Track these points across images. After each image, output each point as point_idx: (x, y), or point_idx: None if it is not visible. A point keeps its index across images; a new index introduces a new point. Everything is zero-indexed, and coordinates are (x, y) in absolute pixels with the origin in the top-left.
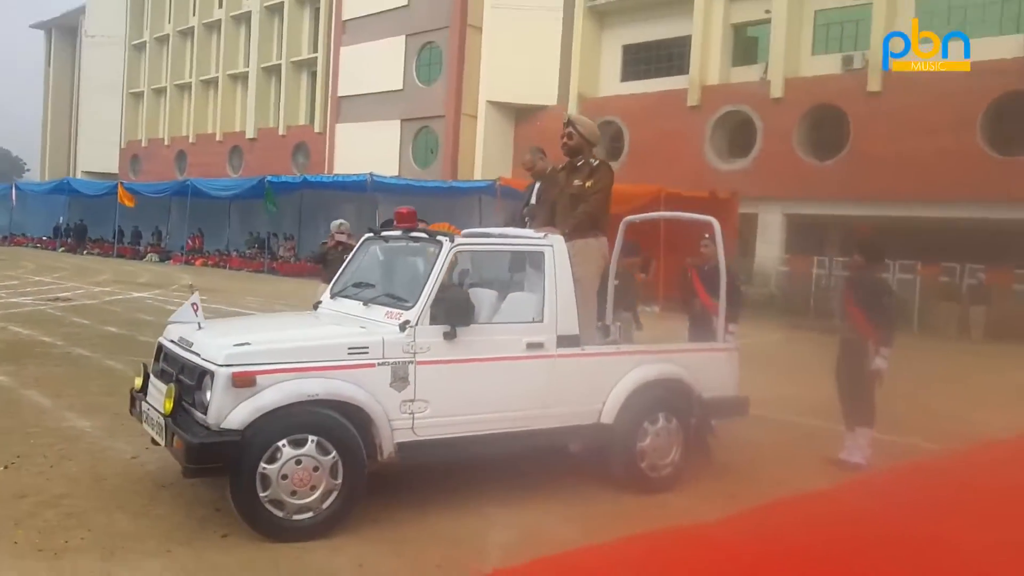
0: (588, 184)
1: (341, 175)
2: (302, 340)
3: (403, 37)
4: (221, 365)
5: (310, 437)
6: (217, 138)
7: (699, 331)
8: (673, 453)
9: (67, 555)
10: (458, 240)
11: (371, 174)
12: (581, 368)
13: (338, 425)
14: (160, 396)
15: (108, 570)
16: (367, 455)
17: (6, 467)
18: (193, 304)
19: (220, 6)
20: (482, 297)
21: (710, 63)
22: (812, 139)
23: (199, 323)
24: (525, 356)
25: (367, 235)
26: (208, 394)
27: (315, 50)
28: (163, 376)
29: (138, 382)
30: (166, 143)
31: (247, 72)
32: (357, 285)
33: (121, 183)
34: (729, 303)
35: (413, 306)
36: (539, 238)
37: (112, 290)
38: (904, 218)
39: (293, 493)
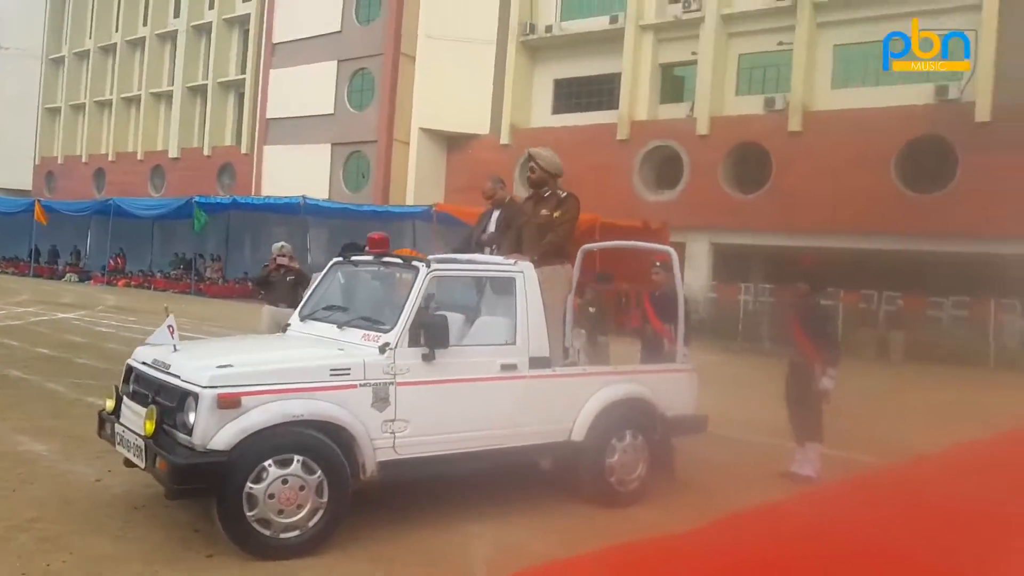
0: (556, 214)
1: (273, 197)
2: (284, 361)
3: (335, 62)
4: (205, 387)
5: (296, 457)
6: (138, 157)
7: (650, 354)
8: (640, 468)
9: None
10: (434, 266)
11: (304, 197)
12: (552, 388)
13: (322, 445)
14: (137, 418)
15: None
16: (350, 474)
17: None
18: (169, 326)
19: (145, 24)
20: (453, 320)
21: (639, 100)
22: (736, 174)
23: (175, 345)
24: (499, 377)
25: (335, 259)
26: (192, 415)
27: (243, 71)
28: (137, 398)
29: (110, 404)
30: (84, 160)
31: (171, 91)
32: (328, 308)
33: (39, 201)
34: (687, 327)
35: (392, 329)
36: (510, 265)
37: (35, 311)
38: (824, 249)
39: (280, 512)
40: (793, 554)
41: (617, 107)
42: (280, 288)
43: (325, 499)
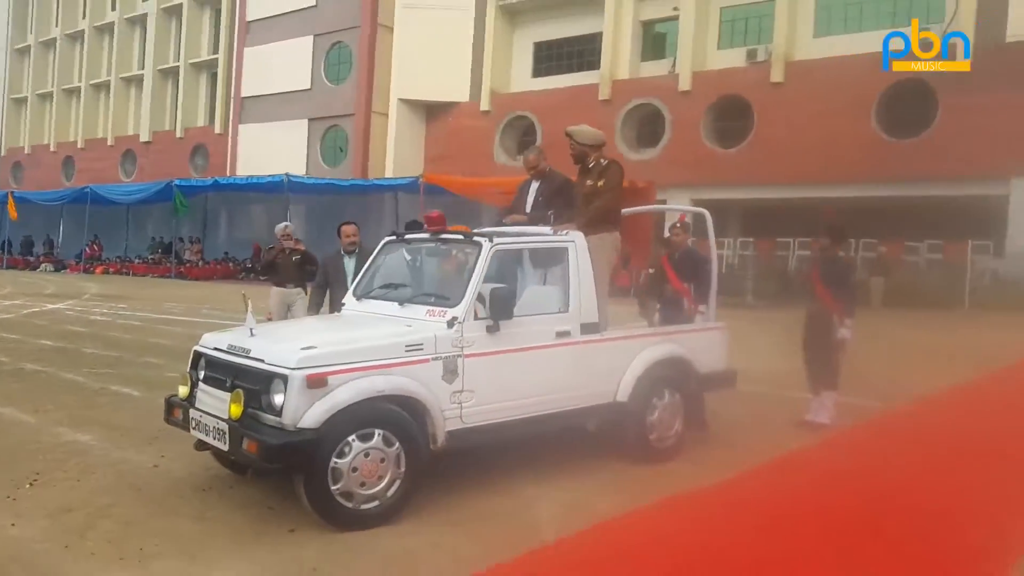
0: (600, 183)
1: (256, 176)
2: (362, 340)
3: (311, 37)
4: (294, 368)
5: (376, 431)
6: (108, 142)
7: (671, 314)
8: (676, 425)
9: (152, 562)
10: (496, 240)
11: (287, 174)
12: (601, 352)
13: (400, 418)
14: (217, 402)
15: (200, 572)
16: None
17: (32, 484)
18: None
19: (113, 8)
20: (512, 292)
21: (620, 59)
22: (718, 128)
23: (251, 330)
24: (555, 344)
25: (388, 238)
26: (280, 396)
27: (215, 51)
28: (213, 383)
29: (184, 390)
30: (52, 149)
31: (142, 75)
32: (386, 286)
33: (12, 193)
34: (701, 286)
35: (459, 303)
36: (562, 235)
37: (23, 303)
38: (804, 199)
39: (362, 484)
40: (818, 500)
41: (599, 67)
42: (287, 269)
43: (403, 469)
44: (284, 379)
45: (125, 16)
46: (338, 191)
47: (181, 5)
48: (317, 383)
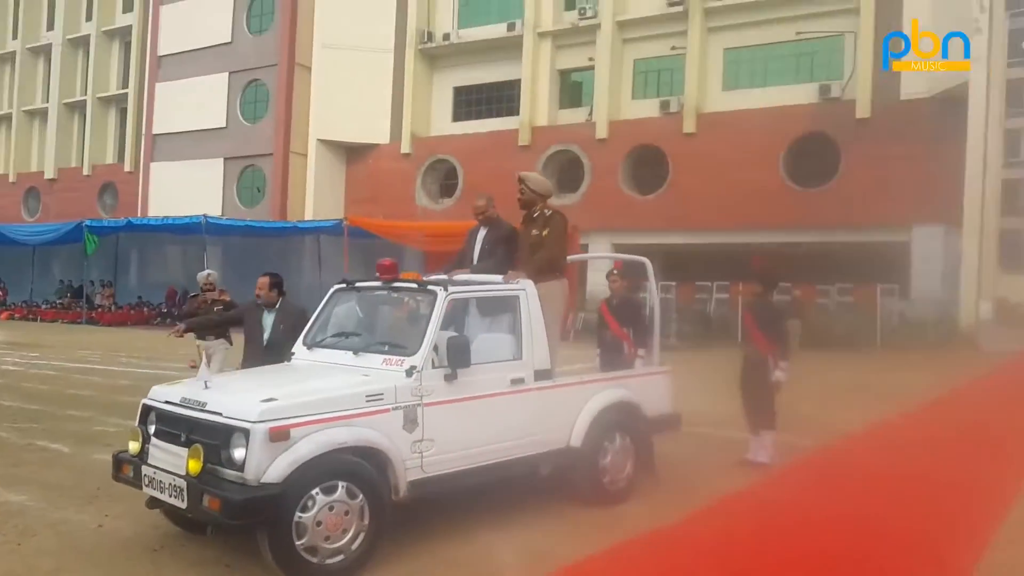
0: (545, 232)
1: (172, 217)
2: (323, 391)
3: (226, 74)
4: (256, 421)
5: (340, 483)
6: (10, 179)
7: (611, 359)
8: (627, 468)
9: None
10: (451, 289)
11: (205, 215)
12: (555, 398)
13: (363, 469)
14: (172, 457)
15: None
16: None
17: None
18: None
19: (15, 37)
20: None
21: (539, 106)
22: (635, 176)
23: (205, 382)
24: (510, 391)
25: (338, 286)
26: (241, 451)
27: (125, 85)
28: (167, 438)
29: (135, 446)
30: None
31: (46, 108)
32: (338, 335)
33: None
34: (639, 331)
35: (417, 352)
36: (512, 283)
37: None
38: (719, 244)
39: (327, 538)
40: (769, 538)
41: (517, 113)
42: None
43: (367, 521)
44: (245, 433)
45: (27, 46)
46: (258, 233)
47: (88, 36)
48: (280, 436)
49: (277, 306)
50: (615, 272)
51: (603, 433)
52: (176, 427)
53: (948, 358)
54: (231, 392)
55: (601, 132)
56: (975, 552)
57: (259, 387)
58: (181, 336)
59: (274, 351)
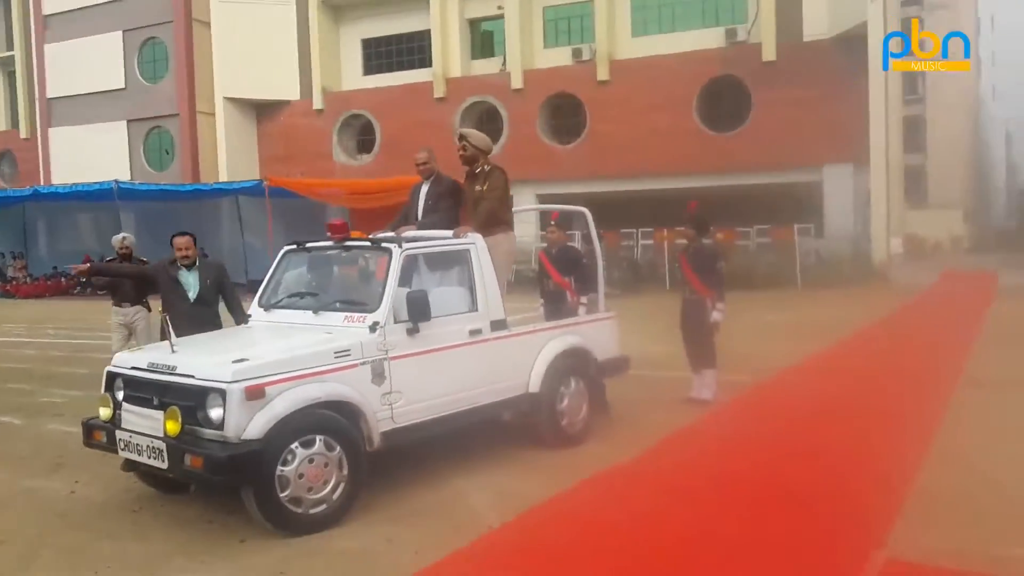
0: (485, 187)
1: (81, 184)
2: (293, 350)
3: (120, 32)
4: (231, 381)
5: (317, 437)
6: None
7: (554, 308)
8: (583, 410)
9: None
10: (405, 245)
11: (116, 181)
12: (511, 347)
13: (338, 423)
14: (147, 421)
15: None
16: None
17: None
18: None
19: None
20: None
21: (451, 57)
22: (554, 125)
23: (172, 347)
24: (470, 342)
25: (288, 247)
26: (218, 411)
27: (10, 47)
28: (138, 402)
29: (106, 412)
30: None
31: None
32: (294, 295)
33: None
34: (582, 279)
35: (378, 308)
36: (463, 237)
37: None
38: (640, 191)
39: (309, 489)
40: (719, 468)
41: (430, 65)
42: (124, 285)
43: (345, 472)
44: (221, 393)
45: None
46: (174, 197)
47: None
48: (255, 395)
49: (197, 264)
50: (552, 223)
51: (559, 378)
52: (146, 391)
53: (865, 293)
54: (200, 354)
55: (516, 82)
56: (910, 475)
57: (226, 349)
58: (86, 276)
59: (203, 305)
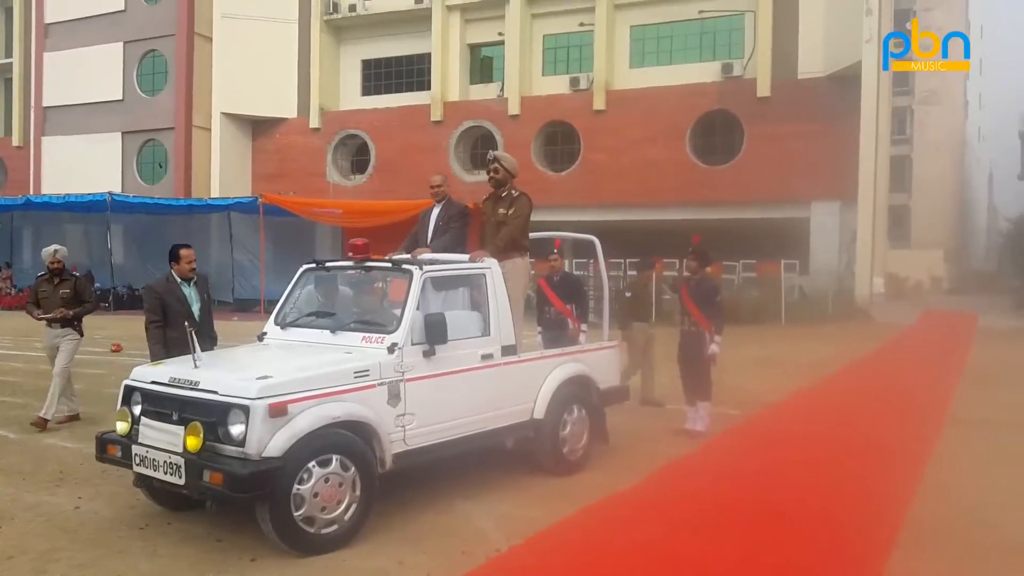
0: (511, 211)
1: (74, 195)
2: (313, 368)
3: (120, 44)
4: (255, 398)
5: (334, 456)
6: None
7: (554, 335)
8: (584, 437)
9: None
10: (425, 268)
11: (110, 193)
12: (519, 372)
13: (354, 442)
14: (166, 436)
15: None
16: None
17: None
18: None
19: None
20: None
21: (450, 80)
22: (548, 152)
23: (195, 361)
24: (481, 366)
25: (306, 265)
26: (239, 427)
27: (9, 55)
28: (156, 417)
29: (123, 427)
30: None
31: None
32: (311, 315)
33: None
34: (583, 306)
35: (396, 330)
36: (479, 261)
37: None
38: (630, 221)
39: (323, 509)
40: (716, 497)
41: (428, 88)
42: (52, 304)
43: (358, 493)
44: (245, 409)
45: None
46: (167, 211)
47: None
48: (278, 412)
49: (194, 280)
50: (555, 251)
51: (563, 405)
52: (166, 406)
53: (847, 331)
54: (223, 370)
55: (513, 108)
56: (903, 507)
57: (248, 365)
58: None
59: (204, 321)
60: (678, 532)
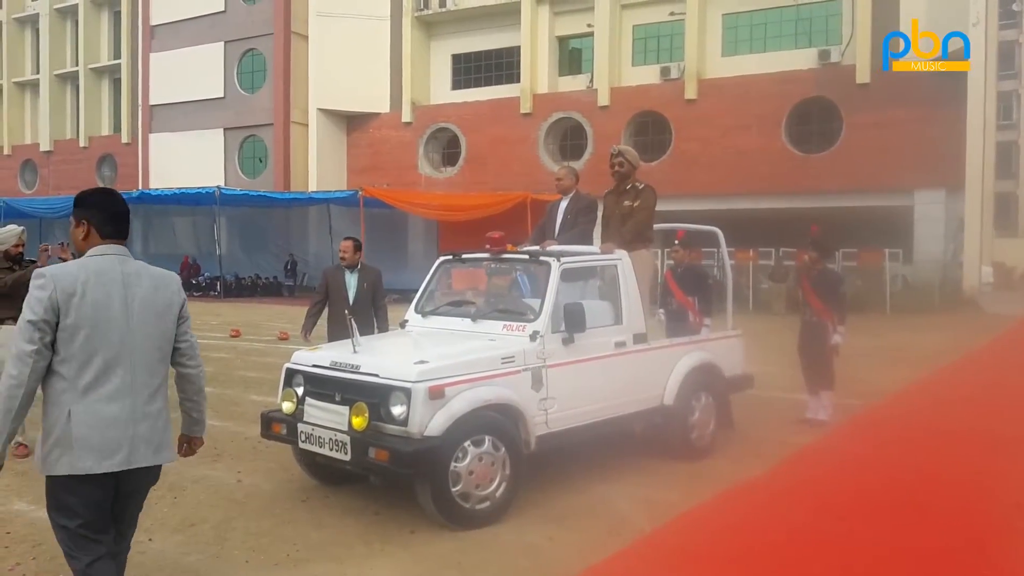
0: (636, 204)
1: (184, 188)
2: (465, 354)
3: (222, 43)
4: (416, 381)
5: (486, 437)
6: (5, 152)
7: (676, 326)
8: (711, 424)
9: (306, 566)
10: (563, 260)
11: (219, 187)
12: (650, 360)
13: (504, 424)
14: (332, 415)
15: (355, 573)
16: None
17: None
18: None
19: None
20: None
21: (539, 73)
22: (638, 142)
23: (355, 347)
24: (615, 354)
25: (443, 258)
26: (401, 408)
27: (117, 56)
28: (320, 398)
29: (289, 407)
30: None
31: (37, 79)
32: (452, 304)
33: None
34: (704, 300)
35: (537, 318)
36: (611, 254)
37: None
38: (723, 210)
39: (477, 486)
40: (847, 484)
41: (517, 81)
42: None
43: (508, 472)
44: (406, 392)
45: (13, 16)
46: (271, 203)
47: (76, 6)
48: (437, 394)
49: (358, 267)
50: (676, 242)
51: (691, 392)
52: (329, 388)
53: (958, 320)
54: (382, 355)
55: (603, 99)
56: None
57: (404, 351)
58: None
59: (359, 307)
60: (822, 519)
